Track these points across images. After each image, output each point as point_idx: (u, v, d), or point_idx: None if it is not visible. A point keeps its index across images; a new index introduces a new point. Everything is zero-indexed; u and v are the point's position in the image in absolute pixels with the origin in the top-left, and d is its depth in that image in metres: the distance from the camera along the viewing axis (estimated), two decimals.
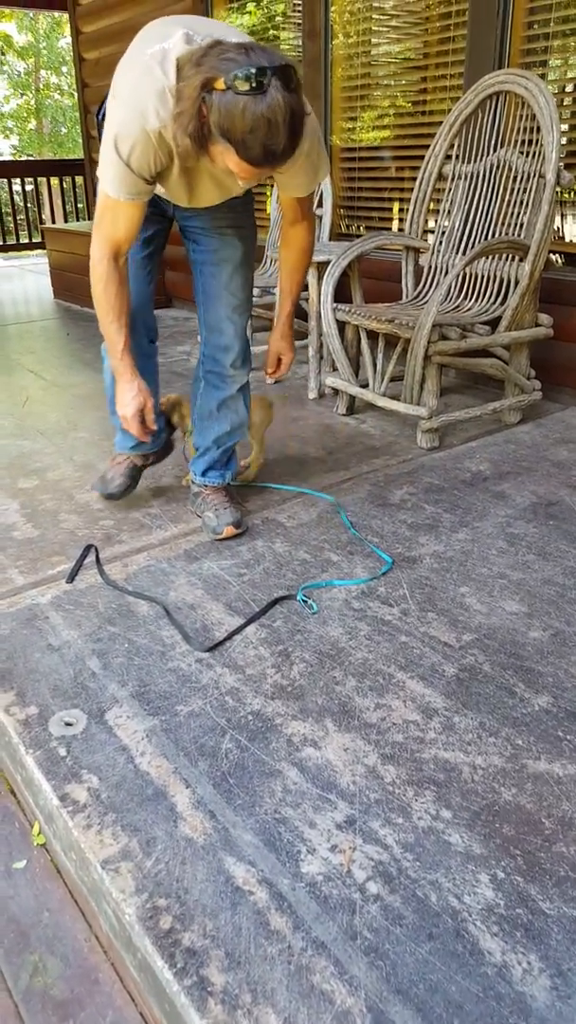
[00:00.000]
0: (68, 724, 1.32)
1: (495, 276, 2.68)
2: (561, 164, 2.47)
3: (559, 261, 3.00)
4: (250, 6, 4.13)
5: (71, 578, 1.76)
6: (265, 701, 1.36)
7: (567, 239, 2.97)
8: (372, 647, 1.51)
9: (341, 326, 2.78)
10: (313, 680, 1.41)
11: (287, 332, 1.94)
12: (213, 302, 1.84)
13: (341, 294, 2.91)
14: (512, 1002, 0.88)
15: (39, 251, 7.35)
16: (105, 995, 1.04)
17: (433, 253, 2.92)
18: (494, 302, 2.66)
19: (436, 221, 3.00)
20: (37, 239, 7.16)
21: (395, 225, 3.67)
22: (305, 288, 3.29)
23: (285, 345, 1.94)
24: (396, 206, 3.65)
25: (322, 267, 2.93)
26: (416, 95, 3.42)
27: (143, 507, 2.13)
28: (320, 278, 2.92)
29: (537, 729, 1.29)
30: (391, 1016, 0.86)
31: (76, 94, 5.70)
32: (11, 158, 18.16)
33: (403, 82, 3.47)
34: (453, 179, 2.88)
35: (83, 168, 5.88)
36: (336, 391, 2.91)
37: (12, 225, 7.04)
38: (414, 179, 3.36)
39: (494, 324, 2.64)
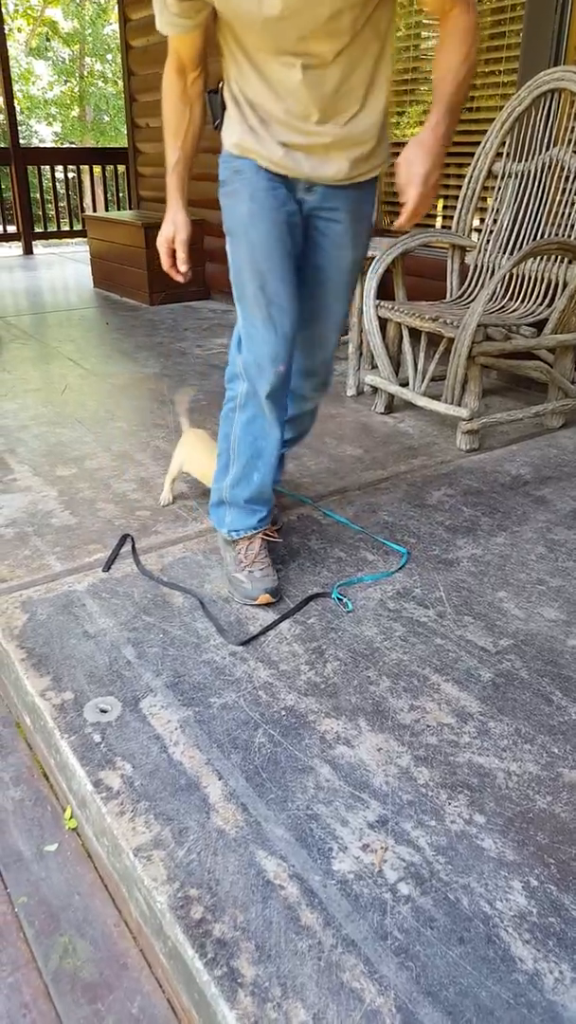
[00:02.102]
0: (103, 711, 1.33)
1: (543, 277, 2.64)
2: None
3: None
4: None
5: (107, 567, 1.78)
6: (299, 697, 1.36)
7: None
8: (407, 648, 1.50)
9: (383, 323, 2.77)
10: (347, 679, 1.41)
11: (432, 143, 1.30)
12: (309, 317, 1.63)
13: (384, 291, 2.89)
14: (543, 1011, 0.87)
15: (79, 239, 7.42)
16: (134, 980, 1.05)
17: (480, 252, 2.88)
18: (541, 304, 2.62)
19: (484, 219, 2.96)
20: (78, 227, 7.23)
21: (440, 222, 3.63)
22: None
23: (419, 169, 1.30)
24: (441, 203, 3.61)
25: (365, 263, 2.91)
26: None
27: (180, 499, 2.15)
28: (363, 274, 2.90)
29: (574, 738, 1.27)
30: (420, 1018, 0.86)
31: (121, 82, 5.73)
32: (53, 145, 18.33)
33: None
34: (503, 177, 2.84)
35: (126, 157, 5.90)
36: (375, 389, 2.89)
37: (53, 212, 7.12)
38: (460, 176, 3.32)
39: (540, 326, 2.60)
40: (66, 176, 7.27)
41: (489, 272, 2.83)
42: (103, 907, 1.15)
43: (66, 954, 1.08)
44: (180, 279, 1.63)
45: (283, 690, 1.38)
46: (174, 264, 1.60)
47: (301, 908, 0.98)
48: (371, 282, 2.73)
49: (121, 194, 7.17)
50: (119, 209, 7.20)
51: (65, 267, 6.69)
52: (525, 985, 0.90)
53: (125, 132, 5.81)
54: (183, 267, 1.60)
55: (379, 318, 2.72)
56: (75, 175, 7.36)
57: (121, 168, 6.99)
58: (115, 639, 1.52)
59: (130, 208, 6.02)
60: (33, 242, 7.26)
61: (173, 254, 1.60)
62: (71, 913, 1.14)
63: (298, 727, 1.29)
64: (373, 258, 2.83)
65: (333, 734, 1.28)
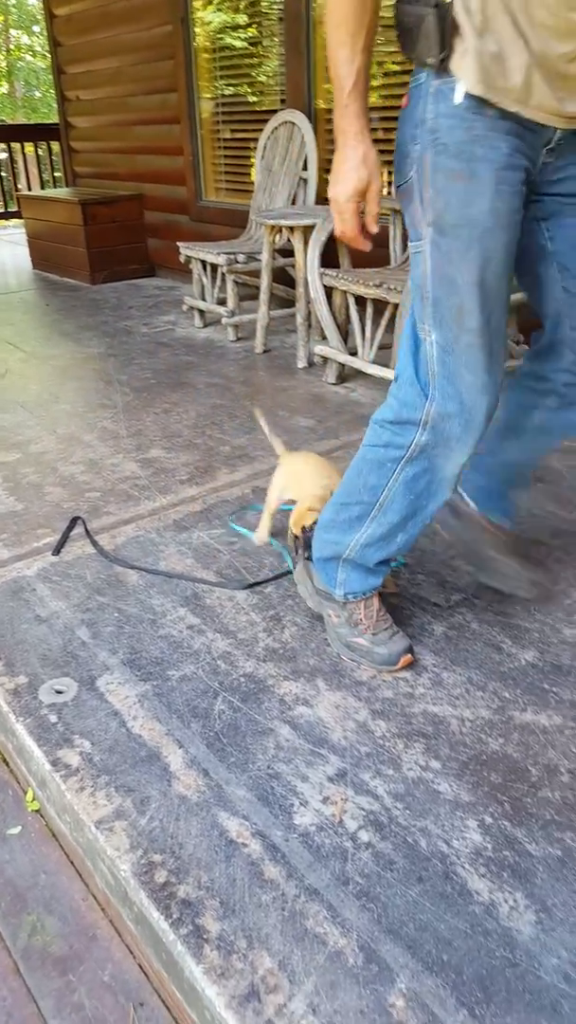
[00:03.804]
0: (59, 692, 1.32)
1: None
2: None
3: None
4: None
5: (57, 550, 1.76)
6: (257, 664, 1.37)
7: None
8: None
9: (328, 292, 2.76)
10: (304, 642, 1.43)
11: None
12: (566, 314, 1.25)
13: (328, 259, 2.87)
14: (499, 936, 0.91)
15: (15, 220, 7.19)
16: (104, 950, 1.06)
17: None
18: None
19: None
20: (13, 208, 7.01)
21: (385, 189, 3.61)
22: (291, 254, 3.25)
23: None
24: (385, 169, 3.60)
25: (308, 231, 2.89)
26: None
27: (130, 478, 2.13)
28: (306, 243, 2.88)
29: (523, 682, 1.31)
30: (382, 954, 0.89)
31: (49, 55, 5.53)
32: None
33: (393, 41, 3.39)
34: None
35: (59, 133, 5.73)
36: (325, 359, 2.89)
37: None
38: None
39: None
40: None
41: None
42: (70, 883, 1.15)
43: (34, 931, 1.09)
44: (366, 247, 1.18)
45: (242, 658, 1.39)
46: (358, 227, 1.15)
47: (264, 863, 1.00)
48: (314, 251, 2.71)
49: (57, 173, 6.96)
50: (55, 187, 7.00)
51: (1, 250, 6.50)
52: (482, 915, 0.93)
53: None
54: (374, 228, 1.15)
55: (324, 287, 2.72)
56: (7, 154, 7.11)
57: (56, 146, 6.77)
58: (68, 621, 1.51)
59: (66, 186, 5.86)
60: None
61: (359, 213, 1.13)
62: (38, 891, 1.14)
63: (257, 692, 1.30)
64: (314, 226, 2.82)
65: (292, 696, 1.29)
